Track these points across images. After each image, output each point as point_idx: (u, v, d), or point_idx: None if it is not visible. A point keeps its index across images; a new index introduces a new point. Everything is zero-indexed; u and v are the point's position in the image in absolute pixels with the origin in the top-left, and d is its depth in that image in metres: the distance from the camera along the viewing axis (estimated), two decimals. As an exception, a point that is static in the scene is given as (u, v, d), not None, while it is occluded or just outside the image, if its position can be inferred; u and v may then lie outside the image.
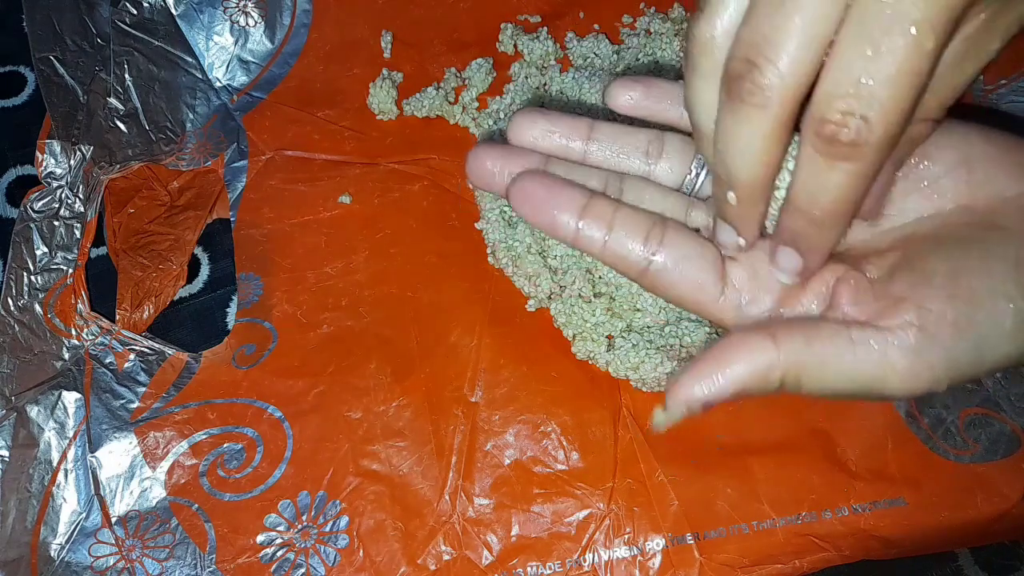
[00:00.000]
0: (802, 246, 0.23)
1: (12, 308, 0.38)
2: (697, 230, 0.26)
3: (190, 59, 0.45)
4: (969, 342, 0.21)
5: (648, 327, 0.37)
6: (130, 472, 0.36)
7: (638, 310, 0.37)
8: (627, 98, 0.27)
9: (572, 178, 0.25)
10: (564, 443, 0.36)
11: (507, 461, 0.36)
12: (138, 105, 0.44)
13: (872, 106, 0.19)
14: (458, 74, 0.45)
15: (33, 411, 0.36)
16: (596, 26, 0.46)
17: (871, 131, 0.19)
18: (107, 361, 0.38)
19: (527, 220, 0.25)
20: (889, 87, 0.19)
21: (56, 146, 0.41)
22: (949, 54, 0.21)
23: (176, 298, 0.42)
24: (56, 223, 0.40)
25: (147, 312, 0.41)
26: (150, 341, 0.39)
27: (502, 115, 0.42)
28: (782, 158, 0.22)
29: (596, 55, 0.44)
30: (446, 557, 0.34)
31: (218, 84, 0.45)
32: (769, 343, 0.21)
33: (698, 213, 0.26)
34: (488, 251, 0.40)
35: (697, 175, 0.26)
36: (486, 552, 0.34)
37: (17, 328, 0.38)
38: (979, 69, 0.23)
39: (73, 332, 0.38)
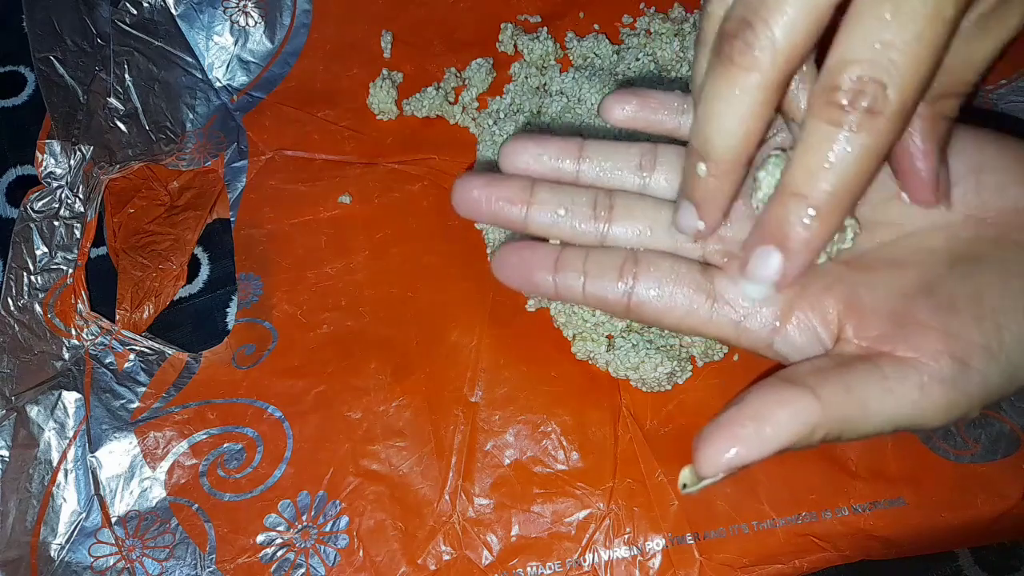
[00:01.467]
0: (789, 241, 0.21)
1: (12, 308, 0.38)
2: (694, 239, 0.25)
3: (190, 59, 0.45)
4: (1001, 364, 0.21)
5: (648, 327, 0.37)
6: (130, 472, 0.36)
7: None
8: (622, 111, 0.27)
9: (559, 198, 0.25)
10: (564, 443, 0.36)
11: (507, 461, 0.36)
12: (138, 105, 0.44)
13: (890, 72, 0.18)
14: (458, 74, 0.45)
15: (33, 411, 0.36)
16: (596, 26, 0.46)
17: (887, 99, 0.18)
18: (107, 361, 0.38)
19: (513, 287, 0.26)
20: (908, 54, 0.18)
21: (56, 146, 0.41)
22: (967, 26, 0.20)
23: (176, 298, 0.42)
24: (56, 223, 0.40)
25: (147, 312, 0.41)
26: (150, 341, 0.39)
27: (502, 115, 0.42)
28: (764, 134, 0.21)
29: (596, 55, 0.44)
30: (446, 557, 0.34)
31: (218, 84, 0.45)
32: (811, 399, 0.20)
33: None
34: (488, 251, 0.40)
35: None
36: (486, 552, 0.34)
37: (17, 328, 0.38)
38: (1000, 44, 0.22)
39: (73, 332, 0.38)
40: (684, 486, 0.21)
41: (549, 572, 0.34)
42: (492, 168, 0.41)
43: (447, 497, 0.35)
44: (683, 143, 0.26)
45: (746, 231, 0.24)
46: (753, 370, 0.36)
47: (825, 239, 0.21)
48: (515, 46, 0.45)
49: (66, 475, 0.36)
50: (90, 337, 0.38)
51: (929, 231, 0.23)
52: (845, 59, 0.18)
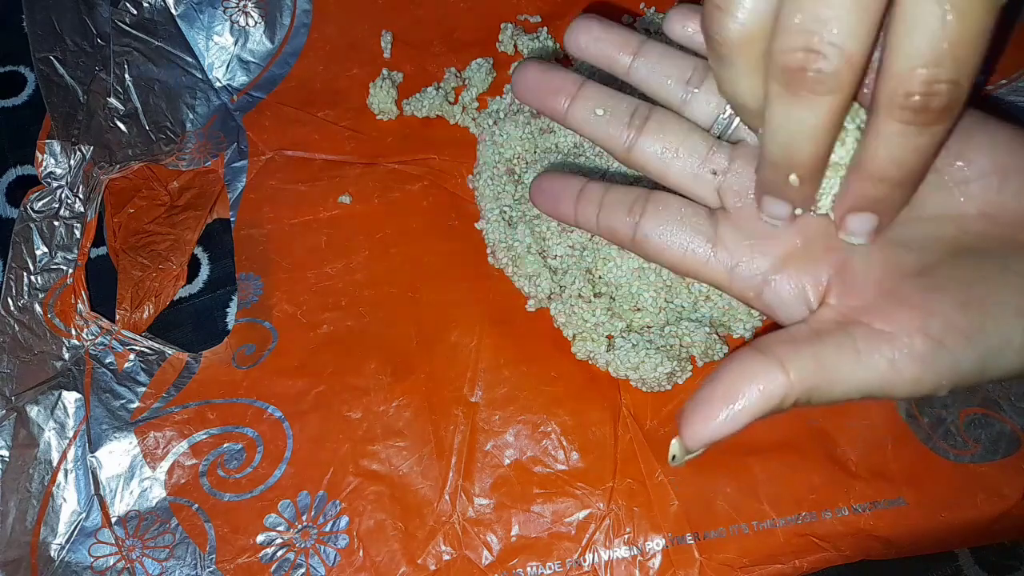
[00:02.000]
0: (880, 208, 0.23)
1: (12, 308, 0.38)
2: (714, 172, 0.26)
3: (190, 59, 0.45)
4: (977, 351, 0.21)
5: (648, 327, 0.37)
6: (130, 472, 0.36)
7: (638, 310, 0.37)
8: (683, 28, 0.26)
9: (603, 104, 0.27)
10: (564, 443, 0.36)
11: (507, 461, 0.36)
12: (138, 105, 0.44)
13: (960, 70, 0.19)
14: (458, 74, 0.45)
15: (33, 411, 0.36)
16: (596, 26, 0.46)
17: (960, 93, 0.19)
18: (107, 361, 0.38)
19: (543, 211, 0.29)
20: (970, 48, 0.19)
21: (56, 146, 0.41)
22: None
23: (176, 298, 0.42)
24: (56, 223, 0.40)
25: (147, 312, 0.41)
26: (150, 341, 0.39)
27: (502, 115, 0.42)
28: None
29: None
30: (446, 557, 0.34)
31: (218, 84, 0.45)
32: (778, 371, 0.21)
33: (719, 156, 0.26)
34: (488, 251, 0.40)
35: (732, 118, 0.26)
36: (486, 552, 0.34)
37: (17, 328, 0.38)
38: None
39: (73, 332, 0.38)
40: (673, 458, 0.23)
41: (549, 572, 0.34)
42: (497, 164, 0.41)
43: (447, 497, 0.35)
44: None
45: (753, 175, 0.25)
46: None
47: (909, 198, 0.23)
48: (515, 46, 0.45)
49: (66, 475, 0.36)
50: (90, 337, 0.38)
51: (941, 220, 0.24)
52: (912, 64, 0.19)
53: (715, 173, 0.25)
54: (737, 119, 0.26)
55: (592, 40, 0.27)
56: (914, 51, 0.19)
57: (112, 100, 0.44)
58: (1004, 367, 0.22)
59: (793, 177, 0.22)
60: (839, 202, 0.23)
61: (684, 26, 0.26)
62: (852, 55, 0.19)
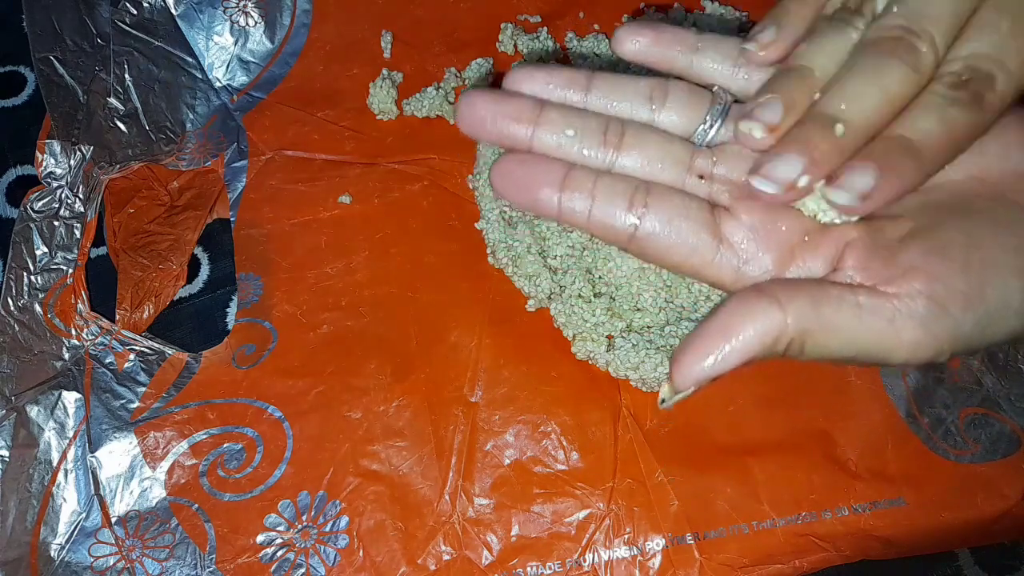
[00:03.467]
0: (891, 169, 0.22)
1: (12, 308, 0.38)
2: (701, 177, 0.25)
3: (190, 59, 0.45)
4: (978, 315, 0.21)
5: (648, 327, 0.37)
6: (130, 472, 0.36)
7: (638, 310, 0.37)
8: (634, 44, 0.26)
9: (570, 122, 0.24)
10: (564, 443, 0.36)
11: (507, 461, 0.36)
12: (138, 105, 0.44)
13: (1008, 62, 0.22)
14: (458, 74, 0.45)
15: (33, 411, 0.36)
16: (596, 26, 0.46)
17: (1006, 84, 0.22)
18: (107, 361, 0.38)
19: (510, 201, 0.24)
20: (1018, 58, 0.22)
21: (56, 146, 0.41)
22: None
23: (176, 298, 0.42)
24: (56, 223, 0.40)
25: (147, 312, 0.41)
26: (150, 341, 0.39)
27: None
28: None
29: (596, 55, 0.44)
30: (446, 557, 0.34)
31: (218, 84, 0.45)
32: (776, 309, 0.21)
33: (702, 160, 0.25)
34: (488, 251, 0.40)
35: (711, 126, 0.25)
36: (486, 552, 0.34)
37: (17, 328, 0.38)
38: None
39: (73, 332, 0.38)
40: (663, 401, 0.22)
41: (549, 572, 0.34)
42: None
43: (447, 497, 0.35)
44: (694, 83, 0.26)
45: (745, 171, 0.24)
46: (752, 370, 0.36)
47: (925, 178, 0.23)
48: (515, 46, 0.45)
49: (66, 475, 0.36)
50: (90, 337, 0.38)
51: (931, 188, 0.24)
52: (978, 54, 0.22)
53: (702, 177, 0.25)
54: (718, 126, 0.25)
55: (540, 87, 0.25)
56: (987, 42, 0.22)
57: (112, 100, 0.44)
58: (1004, 330, 0.22)
59: (840, 127, 0.22)
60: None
61: (634, 41, 0.26)
62: (940, 48, 0.22)
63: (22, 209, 0.40)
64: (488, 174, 0.24)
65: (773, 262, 0.24)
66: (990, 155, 0.24)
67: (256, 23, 0.46)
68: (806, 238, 0.24)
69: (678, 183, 0.25)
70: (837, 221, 0.23)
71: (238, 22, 0.46)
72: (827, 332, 0.21)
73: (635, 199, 0.24)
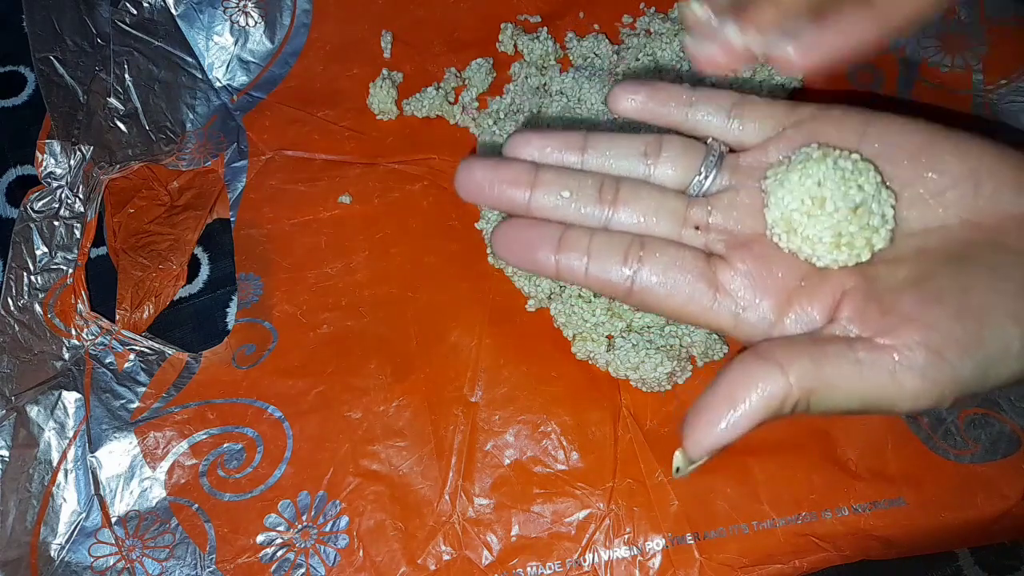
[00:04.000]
0: None
1: (12, 308, 0.38)
2: (697, 228, 0.25)
3: (190, 59, 0.45)
4: (976, 361, 0.21)
5: (648, 327, 0.37)
6: (130, 472, 0.36)
7: (638, 310, 0.37)
8: (629, 102, 0.27)
9: (564, 180, 0.25)
10: (564, 443, 0.36)
11: (507, 461, 0.36)
12: (138, 105, 0.44)
13: None
14: (458, 74, 0.45)
15: (33, 411, 0.36)
16: (596, 26, 0.46)
17: None
18: (107, 361, 0.38)
19: (511, 264, 0.26)
20: None
21: (56, 146, 0.41)
22: None
23: (176, 298, 0.42)
24: (56, 223, 0.40)
25: (147, 312, 0.41)
26: (150, 341, 0.39)
27: (502, 115, 0.42)
28: None
29: (596, 55, 0.44)
30: (446, 557, 0.34)
31: (218, 84, 0.45)
32: (778, 373, 0.21)
33: (697, 211, 0.25)
34: (488, 251, 0.40)
35: (706, 176, 0.26)
36: (486, 552, 0.34)
37: (17, 328, 0.38)
38: None
39: (73, 332, 0.38)
40: (677, 470, 0.22)
41: (549, 572, 0.34)
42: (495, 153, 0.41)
43: (447, 497, 0.35)
44: (688, 136, 0.26)
45: (744, 223, 0.25)
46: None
47: None
48: (515, 46, 0.45)
49: (66, 475, 0.36)
50: (90, 337, 0.38)
51: (926, 233, 0.24)
52: None
53: (698, 228, 0.25)
54: (713, 176, 0.26)
55: (537, 151, 0.26)
56: None
57: (112, 100, 0.44)
58: (1005, 374, 0.22)
59: None
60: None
61: (630, 99, 0.27)
62: None
63: (22, 209, 0.40)
64: (491, 237, 0.25)
65: (771, 308, 0.24)
66: (983, 197, 0.23)
67: (256, 23, 0.46)
68: (802, 283, 0.24)
69: (674, 235, 0.25)
70: (833, 266, 0.24)
71: (238, 22, 0.46)
72: (830, 389, 0.21)
73: (629, 254, 0.24)
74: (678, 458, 0.22)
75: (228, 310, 0.41)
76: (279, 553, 0.34)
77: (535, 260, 0.25)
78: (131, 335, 0.39)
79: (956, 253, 0.23)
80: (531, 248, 0.25)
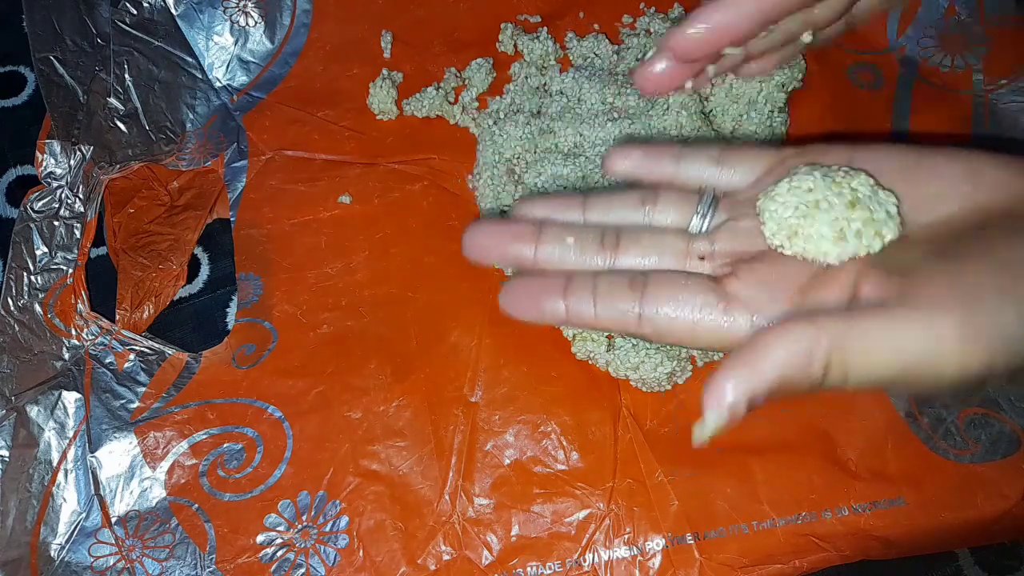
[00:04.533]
0: None
1: (12, 308, 0.38)
2: (702, 258, 0.26)
3: (190, 59, 0.45)
4: (1018, 307, 0.20)
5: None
6: (130, 472, 0.36)
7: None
8: (624, 162, 0.28)
9: (567, 235, 0.26)
10: (564, 443, 0.36)
11: (507, 461, 0.36)
12: (138, 105, 0.44)
13: None
14: (458, 74, 0.45)
15: (33, 411, 0.36)
16: (596, 26, 0.46)
17: None
18: (107, 361, 0.38)
19: (523, 320, 0.26)
20: None
21: (56, 146, 0.41)
22: None
23: (176, 298, 0.42)
24: (56, 223, 0.40)
25: (147, 312, 0.41)
26: (150, 341, 0.39)
27: (502, 115, 0.42)
28: None
29: (596, 55, 0.44)
30: (446, 557, 0.34)
31: (218, 84, 0.45)
32: (807, 323, 0.20)
33: (700, 244, 0.26)
34: (488, 251, 0.40)
35: (703, 216, 0.26)
36: (486, 552, 0.34)
37: (17, 328, 0.38)
38: None
39: (73, 332, 0.38)
40: (701, 430, 0.21)
41: (549, 572, 0.34)
42: (497, 164, 0.41)
43: (447, 497, 0.35)
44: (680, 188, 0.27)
45: (747, 244, 0.25)
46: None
47: None
48: (515, 46, 0.45)
49: (66, 475, 0.36)
50: (90, 337, 0.38)
51: (934, 224, 0.24)
52: None
53: (703, 258, 0.26)
54: (711, 216, 0.26)
55: (539, 212, 0.27)
56: None
57: (112, 100, 0.44)
58: None
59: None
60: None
61: (625, 159, 0.28)
62: None
63: (22, 209, 0.40)
64: (500, 297, 0.26)
65: (787, 304, 0.23)
66: (984, 189, 0.23)
67: (256, 23, 0.46)
68: (816, 278, 0.24)
69: (679, 268, 0.26)
70: (844, 259, 0.23)
71: (238, 22, 0.46)
72: (866, 349, 0.20)
73: (634, 285, 0.25)
74: (698, 427, 0.21)
75: (228, 310, 0.41)
76: (279, 553, 0.34)
77: (542, 310, 0.25)
78: (131, 335, 0.39)
79: (973, 224, 0.23)
80: (538, 299, 0.25)
